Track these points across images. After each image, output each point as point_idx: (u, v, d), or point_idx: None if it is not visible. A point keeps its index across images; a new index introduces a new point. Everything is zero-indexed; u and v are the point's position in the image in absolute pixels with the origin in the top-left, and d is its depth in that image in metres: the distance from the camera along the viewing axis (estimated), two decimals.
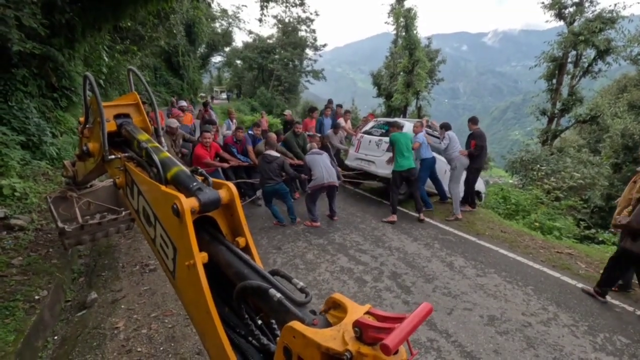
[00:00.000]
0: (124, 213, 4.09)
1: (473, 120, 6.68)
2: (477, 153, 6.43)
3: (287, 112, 10.51)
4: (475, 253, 5.09)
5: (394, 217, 6.18)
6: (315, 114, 8.47)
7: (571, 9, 17.03)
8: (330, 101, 9.32)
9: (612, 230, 4.34)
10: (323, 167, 5.63)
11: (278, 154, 5.63)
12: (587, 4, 16.59)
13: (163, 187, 1.48)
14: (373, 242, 5.34)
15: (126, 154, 1.96)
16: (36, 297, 3.17)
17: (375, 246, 5.19)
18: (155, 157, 1.68)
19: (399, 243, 5.33)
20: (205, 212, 1.41)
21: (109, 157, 1.99)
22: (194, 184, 1.46)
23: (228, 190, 1.47)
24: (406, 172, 6.01)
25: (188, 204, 1.29)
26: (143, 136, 1.98)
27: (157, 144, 1.90)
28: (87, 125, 2.35)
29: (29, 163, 5.60)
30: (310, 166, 5.75)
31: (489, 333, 3.32)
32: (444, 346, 3.12)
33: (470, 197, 6.89)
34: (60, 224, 3.56)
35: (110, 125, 2.13)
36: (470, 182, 6.77)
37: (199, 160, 5.70)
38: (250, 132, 6.83)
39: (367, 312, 0.91)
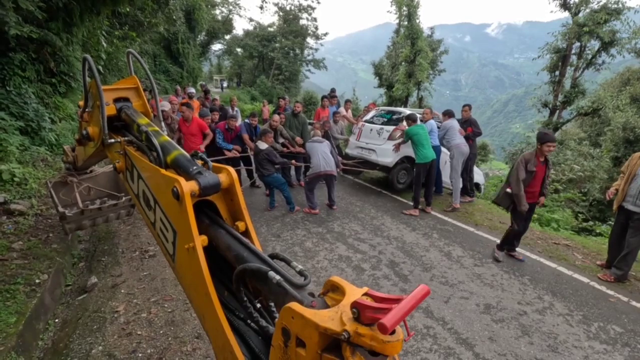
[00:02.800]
0: (124, 199, 4.12)
1: (469, 107, 6.80)
2: (474, 138, 6.51)
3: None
4: (473, 243, 5.12)
5: (417, 212, 6.10)
6: (327, 103, 8.35)
7: None
8: (333, 90, 9.37)
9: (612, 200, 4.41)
10: (321, 156, 5.63)
11: (265, 145, 5.60)
12: None
13: (163, 171, 1.47)
14: (372, 231, 5.37)
15: (126, 138, 1.95)
16: (37, 281, 3.21)
17: (373, 235, 5.22)
18: (155, 141, 1.67)
19: (398, 232, 5.35)
20: (205, 195, 1.40)
21: (109, 141, 1.98)
22: (194, 167, 1.46)
23: (228, 174, 1.47)
24: (430, 163, 5.90)
25: (188, 187, 1.29)
26: (143, 120, 1.97)
27: (157, 128, 1.89)
28: (86, 109, 2.33)
29: (28, 149, 5.59)
30: (309, 154, 5.77)
31: (484, 321, 3.37)
32: (440, 333, 3.17)
33: (470, 185, 6.90)
34: (60, 209, 3.58)
35: (110, 109, 2.12)
36: (467, 170, 6.77)
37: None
38: (246, 120, 6.83)
39: (365, 294, 0.92)
